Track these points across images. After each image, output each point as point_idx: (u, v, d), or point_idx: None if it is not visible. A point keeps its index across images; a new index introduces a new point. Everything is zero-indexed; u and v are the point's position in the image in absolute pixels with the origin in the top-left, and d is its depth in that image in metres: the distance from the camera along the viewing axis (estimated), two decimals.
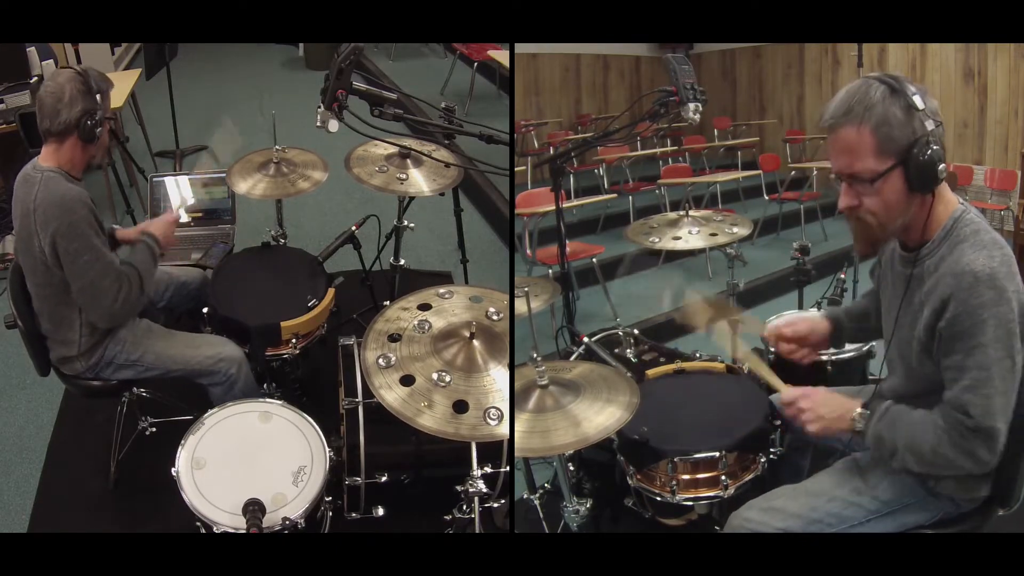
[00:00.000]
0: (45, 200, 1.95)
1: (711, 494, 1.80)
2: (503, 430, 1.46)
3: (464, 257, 3.33)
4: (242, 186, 2.67)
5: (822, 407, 1.51)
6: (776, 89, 8.91)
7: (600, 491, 2.10)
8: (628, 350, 2.45)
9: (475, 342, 1.61)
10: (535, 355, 1.68)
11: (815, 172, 6.11)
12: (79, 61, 5.20)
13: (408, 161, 2.69)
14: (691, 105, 2.13)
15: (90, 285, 2.00)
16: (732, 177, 6.04)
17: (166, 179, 3.24)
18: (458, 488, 1.88)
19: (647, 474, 1.85)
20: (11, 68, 3.88)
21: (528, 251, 4.01)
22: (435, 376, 1.54)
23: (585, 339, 2.48)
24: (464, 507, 1.93)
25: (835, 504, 1.52)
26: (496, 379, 1.55)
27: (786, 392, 1.59)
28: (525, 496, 2.22)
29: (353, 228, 2.73)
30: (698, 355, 2.36)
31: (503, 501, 2.15)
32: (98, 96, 2.01)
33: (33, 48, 4.13)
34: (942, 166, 1.31)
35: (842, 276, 2.65)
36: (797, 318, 1.85)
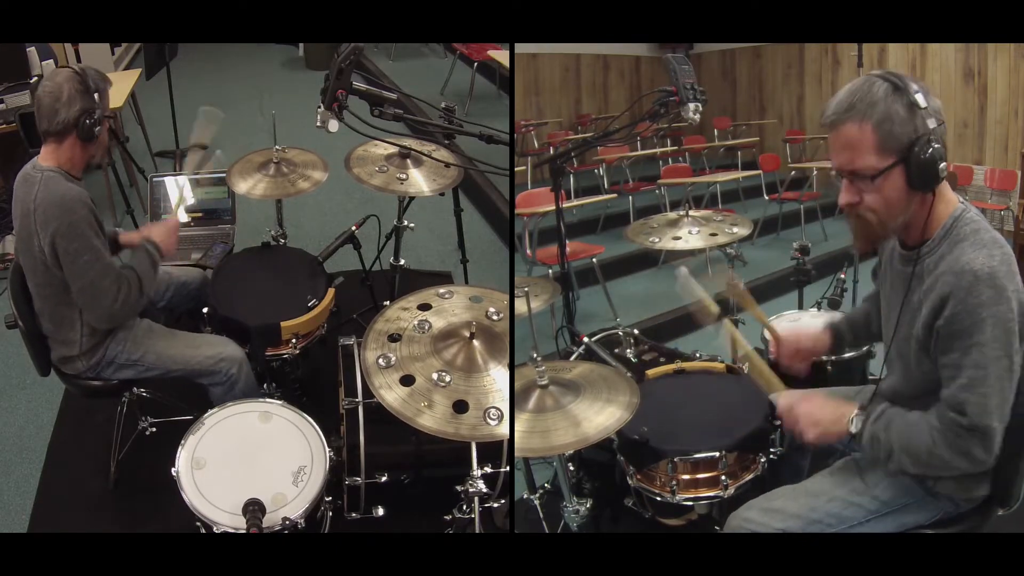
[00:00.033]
0: (45, 200, 1.95)
1: (711, 494, 1.80)
2: (503, 430, 1.46)
3: (464, 257, 3.33)
4: (242, 186, 2.67)
5: (818, 412, 1.50)
6: (776, 89, 8.91)
7: (600, 491, 2.10)
8: (628, 350, 2.45)
9: (475, 342, 1.61)
10: (535, 355, 1.68)
11: (815, 172, 6.11)
12: (79, 61, 5.20)
13: (408, 161, 2.69)
14: (691, 105, 2.13)
15: (90, 285, 2.00)
16: (732, 177, 6.04)
17: (166, 179, 3.24)
18: (458, 488, 1.88)
19: (647, 474, 1.85)
20: (11, 68, 3.88)
21: (528, 251, 4.01)
22: (435, 376, 1.54)
23: (585, 339, 2.48)
24: (464, 507, 1.93)
25: (835, 504, 1.52)
26: (496, 379, 1.55)
27: (782, 398, 1.58)
28: (525, 496, 2.22)
29: (353, 228, 2.73)
30: (698, 355, 2.36)
31: (503, 501, 2.15)
32: (96, 95, 2.00)
33: (33, 48, 4.13)
34: (943, 165, 1.31)
35: (842, 276, 2.65)
36: (800, 334, 1.83)
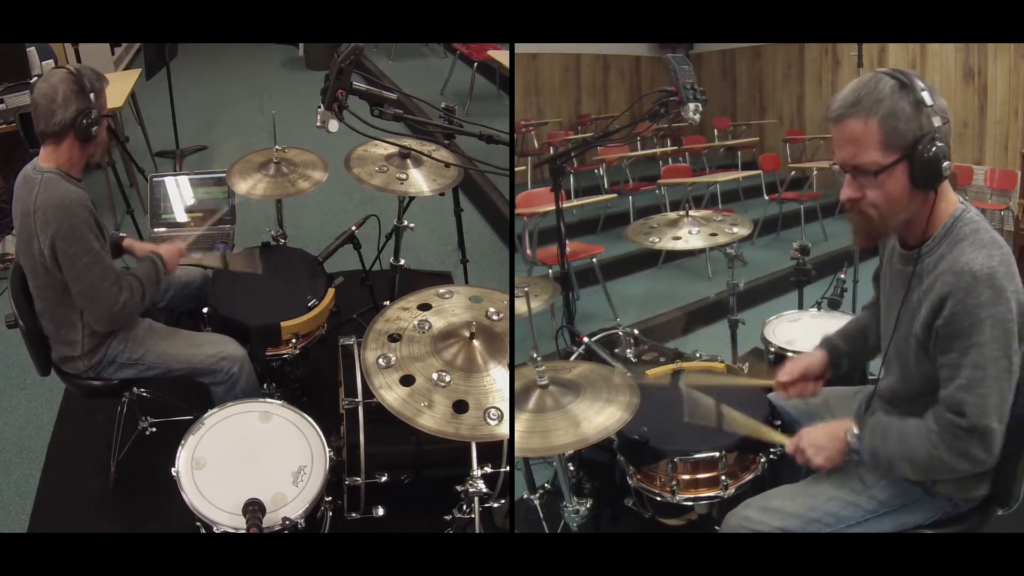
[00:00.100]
0: (45, 202, 1.95)
1: (711, 494, 1.80)
2: (503, 430, 1.46)
3: (464, 257, 3.33)
4: (242, 186, 2.67)
5: (820, 438, 1.49)
6: (776, 89, 8.91)
7: (600, 491, 2.10)
8: (628, 350, 2.45)
9: (475, 342, 1.61)
10: (535, 355, 1.68)
11: (815, 172, 6.10)
12: (79, 61, 5.21)
13: (408, 161, 2.69)
14: (691, 105, 2.14)
15: (89, 288, 2.00)
16: (732, 177, 6.04)
17: (166, 179, 3.24)
18: (458, 488, 1.88)
19: (647, 474, 1.85)
20: (11, 68, 3.89)
21: (528, 251, 4.01)
22: (435, 376, 1.54)
23: (585, 339, 2.48)
24: (464, 507, 1.94)
25: (833, 504, 1.52)
26: (496, 379, 1.55)
27: (788, 444, 1.55)
28: (525, 496, 2.22)
29: (353, 228, 2.73)
30: (698, 355, 2.36)
31: (503, 501, 2.15)
32: (92, 95, 1.99)
33: (33, 48, 4.13)
34: (947, 163, 1.31)
35: (842, 276, 2.65)
36: (791, 361, 1.79)
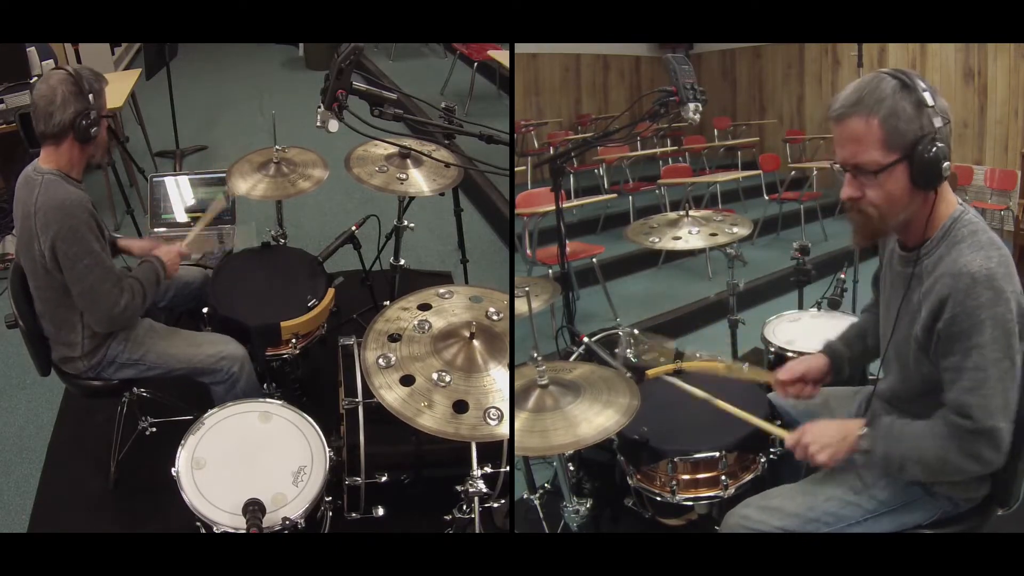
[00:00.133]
0: (46, 204, 1.95)
1: (711, 494, 1.80)
2: (503, 430, 1.46)
3: (464, 257, 3.33)
4: (242, 186, 2.67)
5: (826, 435, 1.48)
6: (776, 89, 8.91)
7: (600, 491, 2.10)
8: (628, 350, 2.44)
9: (475, 342, 1.61)
10: (535, 355, 1.68)
11: (815, 172, 6.11)
12: (79, 61, 5.21)
13: (408, 161, 2.69)
14: (691, 105, 2.13)
15: (90, 289, 2.00)
16: (732, 177, 6.04)
17: (166, 179, 3.24)
18: (458, 488, 1.88)
19: (647, 474, 1.85)
20: (11, 68, 3.88)
21: (528, 251, 4.01)
22: (435, 376, 1.54)
23: (585, 339, 2.48)
24: (464, 507, 1.93)
25: (833, 503, 1.52)
26: (496, 379, 1.55)
27: (788, 438, 1.55)
28: (525, 496, 2.22)
29: (353, 228, 2.73)
30: (698, 355, 2.36)
31: (503, 501, 2.15)
32: (91, 96, 1.99)
33: (33, 48, 4.13)
34: (947, 164, 1.31)
35: (842, 276, 2.65)
36: (793, 362, 1.79)
